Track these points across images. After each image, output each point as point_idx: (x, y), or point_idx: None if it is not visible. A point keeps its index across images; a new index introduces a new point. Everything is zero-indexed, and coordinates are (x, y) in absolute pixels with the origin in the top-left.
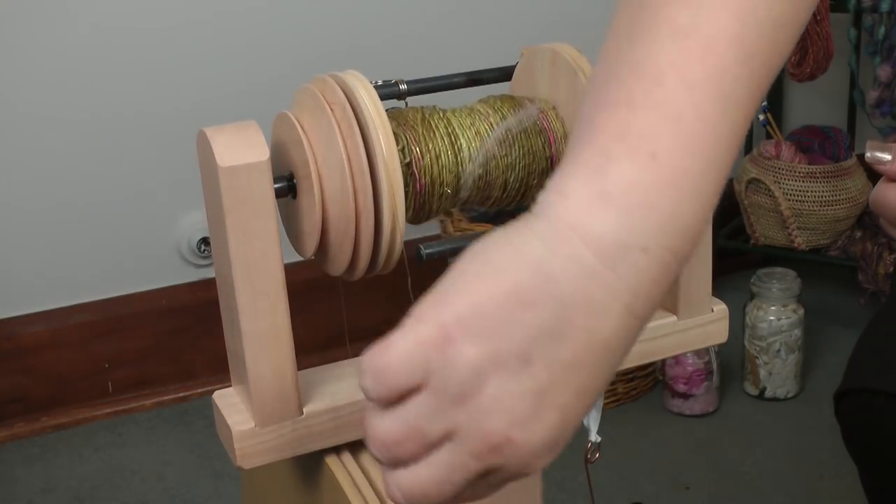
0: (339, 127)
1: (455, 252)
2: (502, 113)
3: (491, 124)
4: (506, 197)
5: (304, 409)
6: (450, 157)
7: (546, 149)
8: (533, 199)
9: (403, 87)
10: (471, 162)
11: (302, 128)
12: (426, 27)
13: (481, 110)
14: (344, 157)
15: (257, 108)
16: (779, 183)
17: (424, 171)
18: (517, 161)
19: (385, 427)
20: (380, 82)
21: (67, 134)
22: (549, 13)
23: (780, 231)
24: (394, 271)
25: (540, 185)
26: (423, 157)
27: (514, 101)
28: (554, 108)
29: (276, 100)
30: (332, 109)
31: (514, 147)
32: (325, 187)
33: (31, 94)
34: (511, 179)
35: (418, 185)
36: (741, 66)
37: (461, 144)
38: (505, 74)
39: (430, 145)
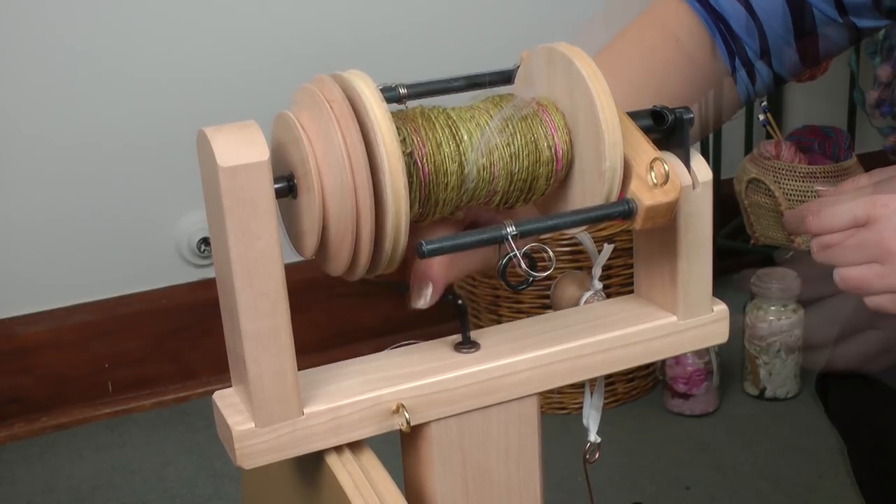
0: (338, 122)
1: (456, 248)
2: (501, 106)
3: (490, 115)
4: (513, 190)
5: (305, 410)
6: (451, 145)
7: (548, 138)
8: (540, 192)
9: (403, 90)
10: (473, 151)
11: (301, 126)
12: (427, 29)
13: (480, 106)
14: (343, 152)
15: (257, 110)
16: (779, 183)
17: (427, 159)
18: (520, 150)
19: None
20: (380, 86)
21: (67, 134)
22: (551, 16)
23: (780, 231)
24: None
25: (545, 176)
26: (424, 145)
27: (511, 97)
28: (553, 103)
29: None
30: (330, 106)
31: (515, 136)
32: (325, 184)
33: (31, 95)
34: (516, 170)
35: (422, 173)
36: None
37: (462, 135)
38: (505, 77)
39: (431, 134)
